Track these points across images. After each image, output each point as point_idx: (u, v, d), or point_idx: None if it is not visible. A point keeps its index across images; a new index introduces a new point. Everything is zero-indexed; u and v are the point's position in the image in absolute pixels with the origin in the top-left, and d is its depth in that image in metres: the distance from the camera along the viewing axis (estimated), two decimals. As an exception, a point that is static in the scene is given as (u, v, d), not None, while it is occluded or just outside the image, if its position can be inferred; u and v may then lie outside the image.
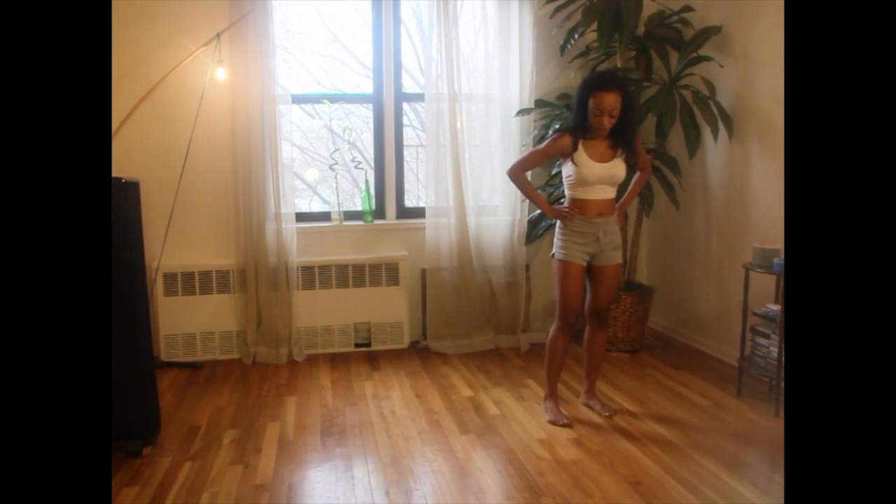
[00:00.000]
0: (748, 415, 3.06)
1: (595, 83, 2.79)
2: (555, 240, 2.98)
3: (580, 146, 2.84)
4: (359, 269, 4.00)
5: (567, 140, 2.85)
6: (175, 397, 3.34)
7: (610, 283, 3.00)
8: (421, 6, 4.17)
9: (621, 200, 3.04)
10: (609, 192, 2.90)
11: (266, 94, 3.72)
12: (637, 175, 3.04)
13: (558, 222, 2.96)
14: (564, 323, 2.98)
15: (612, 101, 2.73)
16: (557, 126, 3.16)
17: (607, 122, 2.77)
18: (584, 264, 2.94)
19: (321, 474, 2.56)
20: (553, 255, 2.99)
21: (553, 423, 2.98)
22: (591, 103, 2.76)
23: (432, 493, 2.40)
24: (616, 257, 2.98)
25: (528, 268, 4.20)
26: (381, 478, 2.52)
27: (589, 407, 3.15)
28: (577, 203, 2.90)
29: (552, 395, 3.08)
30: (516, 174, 2.97)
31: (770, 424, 2.95)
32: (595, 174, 2.83)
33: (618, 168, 2.86)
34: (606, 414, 3.05)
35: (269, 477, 2.53)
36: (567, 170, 2.89)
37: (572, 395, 3.32)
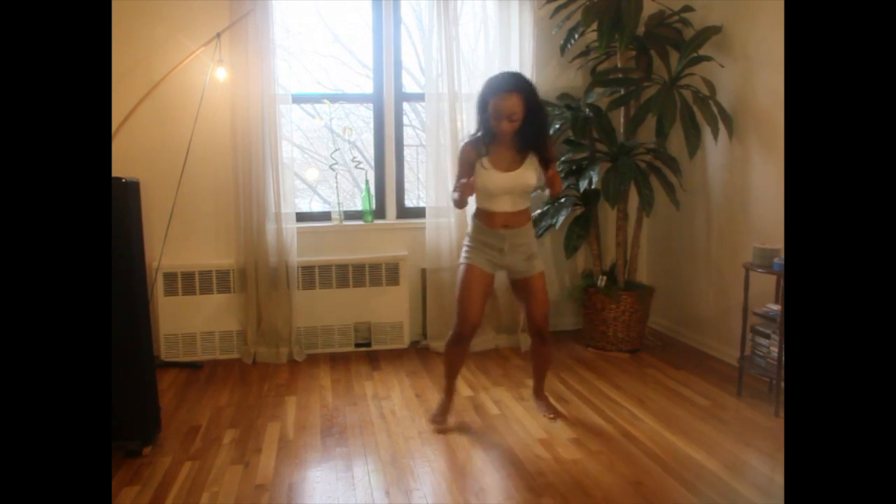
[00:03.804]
0: (748, 415, 3.06)
1: (492, 86, 2.63)
2: (463, 248, 2.86)
3: (484, 155, 2.70)
4: (359, 269, 4.00)
5: (470, 151, 2.72)
6: (175, 397, 3.34)
7: (538, 295, 2.83)
8: (421, 6, 4.17)
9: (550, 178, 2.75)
10: (517, 204, 2.75)
11: (266, 94, 3.72)
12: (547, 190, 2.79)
13: (468, 232, 2.84)
14: (458, 335, 2.82)
15: (510, 104, 2.57)
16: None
17: (506, 127, 2.61)
18: (489, 271, 2.80)
19: (321, 474, 2.56)
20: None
21: (432, 421, 2.95)
22: (490, 107, 2.62)
23: (432, 493, 2.40)
24: (535, 267, 2.82)
25: (528, 268, 4.20)
26: (381, 478, 2.52)
27: (536, 407, 3.12)
28: (481, 214, 2.78)
29: (447, 393, 3.01)
30: (454, 201, 2.76)
31: (770, 424, 2.95)
32: (497, 185, 2.69)
33: (524, 177, 2.70)
34: (550, 416, 3.01)
35: (269, 477, 2.53)
36: (476, 179, 2.73)
37: (572, 395, 3.32)
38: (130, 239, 2.57)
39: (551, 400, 3.18)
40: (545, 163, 2.74)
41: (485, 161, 2.70)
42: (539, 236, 4.12)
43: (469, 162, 2.73)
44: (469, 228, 2.87)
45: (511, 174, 2.69)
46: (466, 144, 2.76)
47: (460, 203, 2.74)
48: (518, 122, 2.62)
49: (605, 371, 3.67)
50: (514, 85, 2.61)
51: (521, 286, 2.87)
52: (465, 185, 2.63)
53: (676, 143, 3.92)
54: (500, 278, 4.08)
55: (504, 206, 2.74)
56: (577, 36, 3.97)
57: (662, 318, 4.41)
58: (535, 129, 2.67)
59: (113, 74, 3.56)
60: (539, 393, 3.15)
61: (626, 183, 3.69)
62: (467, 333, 2.81)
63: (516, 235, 2.77)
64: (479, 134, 2.74)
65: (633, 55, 3.98)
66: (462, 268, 2.81)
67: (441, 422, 2.95)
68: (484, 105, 2.66)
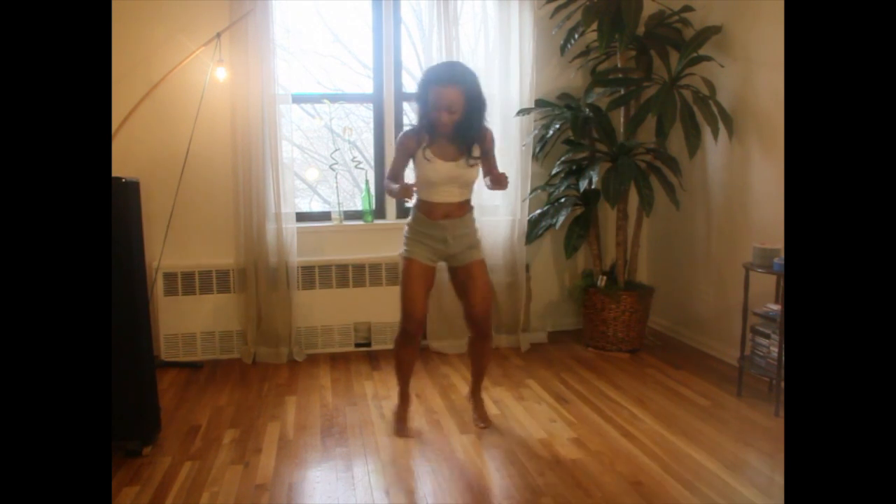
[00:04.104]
0: (748, 415, 3.06)
1: (431, 77, 2.59)
2: (403, 240, 2.80)
3: (425, 145, 2.65)
4: (359, 268, 4.00)
5: (411, 140, 2.68)
6: (175, 397, 3.34)
7: (478, 284, 2.76)
8: (421, 6, 4.17)
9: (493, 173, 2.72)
10: (457, 195, 2.72)
11: (266, 94, 3.72)
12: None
13: (408, 223, 2.79)
14: (404, 332, 2.77)
15: (450, 95, 2.52)
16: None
17: (446, 118, 2.56)
18: (431, 264, 2.75)
19: (321, 474, 2.56)
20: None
21: (397, 434, 2.87)
22: (429, 98, 2.56)
23: (432, 493, 2.40)
24: (474, 255, 2.77)
25: (528, 268, 4.20)
26: (381, 478, 2.52)
27: (473, 410, 3.03)
28: (423, 205, 2.73)
29: (401, 398, 2.95)
30: (385, 188, 2.80)
31: (770, 424, 2.95)
32: (438, 174, 2.65)
33: (464, 169, 2.67)
34: (481, 426, 2.92)
35: (269, 477, 2.53)
36: (415, 170, 2.72)
37: (572, 395, 3.32)
38: (130, 239, 2.57)
39: (487, 404, 3.07)
40: (486, 158, 2.71)
41: (427, 152, 2.65)
42: (539, 236, 4.12)
43: (408, 151, 2.70)
44: (409, 219, 2.80)
45: (451, 165, 2.65)
46: (407, 133, 2.71)
47: (395, 196, 2.76)
48: (458, 115, 2.57)
49: (605, 371, 3.67)
50: (454, 77, 2.56)
51: (461, 275, 2.79)
52: (405, 190, 2.61)
53: (676, 143, 3.92)
54: (498, 280, 4.10)
55: (446, 196, 2.70)
56: (577, 36, 3.97)
57: (662, 318, 4.41)
58: (474, 122, 2.62)
59: (113, 74, 3.56)
60: (476, 395, 3.04)
61: (626, 183, 3.69)
62: (413, 330, 2.76)
63: (458, 226, 2.73)
64: (420, 126, 2.68)
65: (633, 55, 3.97)
66: (403, 262, 2.76)
67: (402, 430, 2.88)
68: (422, 97, 2.60)
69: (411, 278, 2.72)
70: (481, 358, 2.95)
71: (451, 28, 3.87)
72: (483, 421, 2.96)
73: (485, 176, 2.76)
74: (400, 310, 2.76)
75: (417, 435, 2.87)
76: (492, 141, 2.75)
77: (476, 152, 2.68)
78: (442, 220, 2.71)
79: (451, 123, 2.59)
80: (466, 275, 2.77)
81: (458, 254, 2.76)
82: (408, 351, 2.85)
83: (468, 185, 2.75)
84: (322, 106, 4.17)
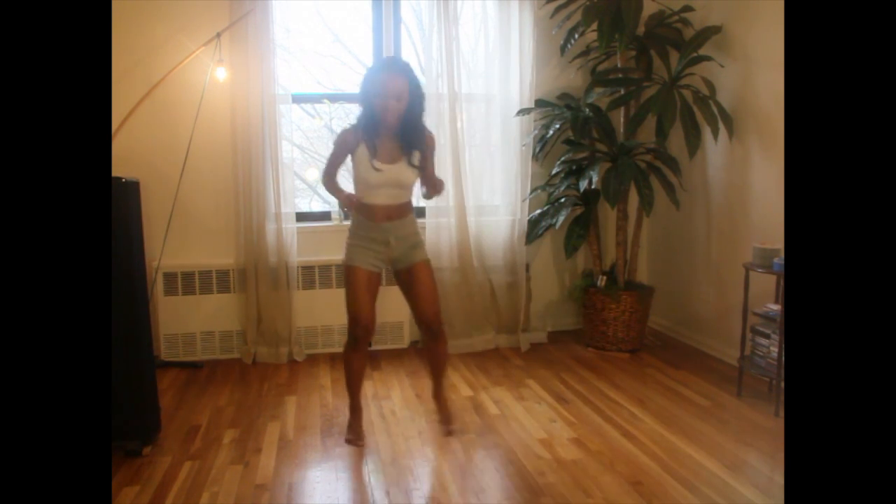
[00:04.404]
0: (748, 415, 3.06)
1: (378, 66, 2.60)
2: (344, 247, 2.76)
3: (364, 144, 2.59)
4: (359, 268, 3.99)
5: (350, 136, 2.62)
6: (175, 397, 3.34)
7: (423, 286, 2.71)
8: (421, 6, 4.17)
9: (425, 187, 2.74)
10: (399, 197, 2.67)
11: (266, 94, 3.72)
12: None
13: (349, 228, 2.76)
14: (352, 339, 2.72)
15: (397, 83, 2.50)
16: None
17: (393, 106, 2.51)
18: (376, 270, 2.71)
19: (321, 474, 2.56)
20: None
21: (348, 442, 2.80)
22: (375, 88, 2.52)
23: (432, 493, 2.40)
24: (417, 255, 2.73)
25: (528, 268, 4.20)
26: (381, 478, 2.52)
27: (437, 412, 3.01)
28: (363, 208, 2.68)
29: (352, 411, 2.88)
30: (323, 182, 2.74)
31: (770, 424, 2.95)
32: (378, 177, 2.60)
33: (405, 170, 2.62)
34: (448, 429, 2.88)
35: (269, 477, 2.53)
36: (353, 171, 2.67)
37: (572, 395, 3.32)
38: (130, 239, 2.57)
39: (449, 408, 3.00)
40: (423, 161, 2.67)
41: (366, 152, 2.60)
42: (539, 236, 4.12)
43: (347, 149, 2.65)
44: (350, 224, 2.76)
45: (393, 166, 2.61)
46: (347, 130, 2.65)
47: (337, 199, 2.76)
48: (405, 105, 2.54)
49: (605, 371, 3.67)
50: (399, 66, 2.56)
51: (406, 277, 2.75)
52: (348, 201, 2.63)
53: (676, 143, 3.92)
54: (498, 280, 4.10)
55: (386, 199, 2.65)
56: (577, 36, 3.97)
57: (662, 318, 4.41)
58: (414, 117, 2.60)
59: (113, 74, 3.56)
60: (438, 397, 2.99)
61: (626, 183, 3.69)
62: (361, 336, 2.70)
63: (399, 227, 2.70)
64: (361, 126, 2.63)
65: (633, 55, 3.97)
66: (345, 270, 2.72)
67: (356, 439, 2.81)
68: (367, 93, 2.56)
69: (356, 286, 2.67)
70: (437, 359, 2.91)
71: (451, 28, 3.87)
72: (447, 422, 2.91)
73: (422, 185, 2.73)
74: (347, 317, 2.72)
75: (362, 443, 2.79)
76: (432, 143, 2.72)
77: (416, 157, 2.64)
78: (384, 222, 2.67)
79: (398, 116, 2.55)
80: (411, 277, 2.74)
81: (401, 256, 2.72)
82: (357, 357, 2.77)
83: (408, 188, 2.71)
84: (322, 106, 4.17)
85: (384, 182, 2.62)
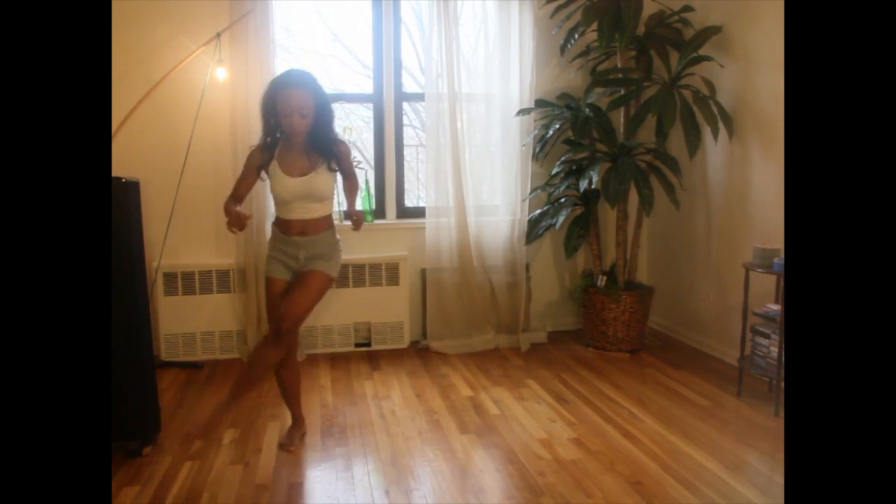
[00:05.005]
0: (748, 415, 3.06)
1: (279, 82, 2.50)
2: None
3: (275, 160, 2.55)
4: (359, 268, 4.00)
5: (257, 154, 2.58)
6: (175, 397, 3.34)
7: (303, 290, 2.58)
8: (421, 6, 4.17)
9: (348, 209, 2.70)
10: (314, 211, 2.61)
11: (266, 94, 3.71)
12: (345, 182, 2.72)
13: (269, 239, 2.73)
14: (274, 335, 2.58)
15: (300, 97, 2.45)
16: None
17: (298, 122, 2.48)
18: (291, 279, 2.65)
19: (321, 474, 2.56)
20: None
21: (281, 447, 2.75)
22: (279, 104, 2.47)
23: (432, 493, 2.40)
24: (316, 264, 2.62)
25: (528, 267, 4.20)
26: (381, 478, 2.52)
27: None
28: (278, 222, 2.65)
29: (294, 423, 2.85)
30: (224, 207, 2.54)
31: (770, 424, 2.95)
32: (289, 190, 2.54)
33: (317, 182, 2.56)
34: (289, 447, 2.75)
35: (269, 477, 2.53)
36: (269, 187, 2.61)
37: (572, 394, 3.32)
38: (130, 239, 2.57)
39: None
40: (338, 162, 2.62)
41: (275, 167, 2.55)
42: (539, 236, 4.12)
43: (255, 166, 2.59)
44: (269, 236, 2.75)
45: (303, 179, 2.55)
46: (255, 148, 2.62)
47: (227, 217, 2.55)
48: (309, 119, 2.51)
49: (605, 371, 3.67)
50: (302, 80, 2.50)
51: (297, 279, 2.65)
52: (236, 219, 2.43)
53: (676, 143, 3.92)
54: (498, 280, 4.11)
55: (298, 213, 2.60)
56: (577, 36, 3.97)
57: (662, 318, 4.41)
58: (323, 129, 2.56)
59: (113, 74, 3.56)
60: (298, 415, 2.87)
61: (626, 183, 3.69)
62: (286, 329, 2.59)
63: (313, 244, 2.63)
64: (269, 140, 2.59)
65: (633, 55, 3.98)
66: (265, 280, 2.70)
67: (289, 444, 2.76)
68: (271, 106, 2.51)
69: (272, 295, 2.64)
70: (291, 379, 2.80)
71: (451, 28, 3.87)
72: (287, 441, 2.78)
73: (345, 217, 2.70)
74: (268, 324, 2.68)
75: (292, 449, 2.74)
76: (348, 154, 2.67)
77: (331, 166, 2.60)
78: (297, 236, 2.62)
79: (304, 130, 2.51)
80: (300, 279, 2.63)
81: (305, 265, 2.65)
82: (275, 353, 2.63)
83: (324, 200, 2.63)
84: (322, 106, 4.16)
85: (296, 195, 2.56)
